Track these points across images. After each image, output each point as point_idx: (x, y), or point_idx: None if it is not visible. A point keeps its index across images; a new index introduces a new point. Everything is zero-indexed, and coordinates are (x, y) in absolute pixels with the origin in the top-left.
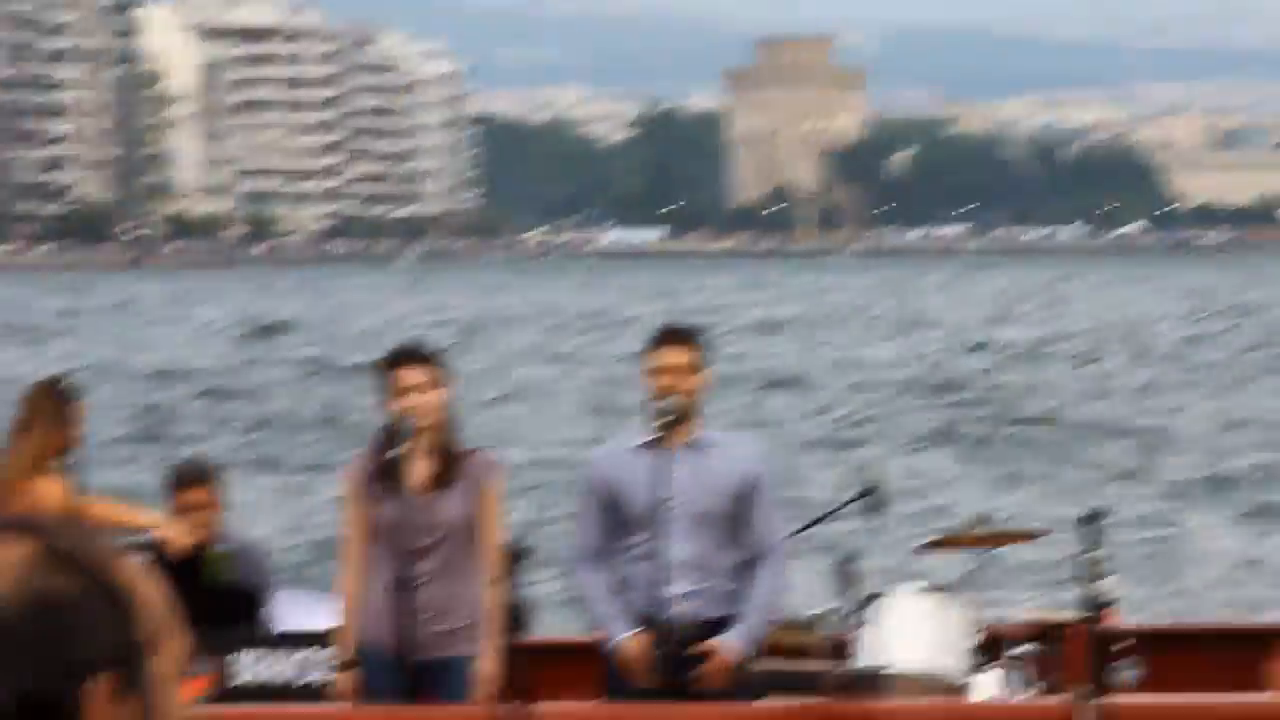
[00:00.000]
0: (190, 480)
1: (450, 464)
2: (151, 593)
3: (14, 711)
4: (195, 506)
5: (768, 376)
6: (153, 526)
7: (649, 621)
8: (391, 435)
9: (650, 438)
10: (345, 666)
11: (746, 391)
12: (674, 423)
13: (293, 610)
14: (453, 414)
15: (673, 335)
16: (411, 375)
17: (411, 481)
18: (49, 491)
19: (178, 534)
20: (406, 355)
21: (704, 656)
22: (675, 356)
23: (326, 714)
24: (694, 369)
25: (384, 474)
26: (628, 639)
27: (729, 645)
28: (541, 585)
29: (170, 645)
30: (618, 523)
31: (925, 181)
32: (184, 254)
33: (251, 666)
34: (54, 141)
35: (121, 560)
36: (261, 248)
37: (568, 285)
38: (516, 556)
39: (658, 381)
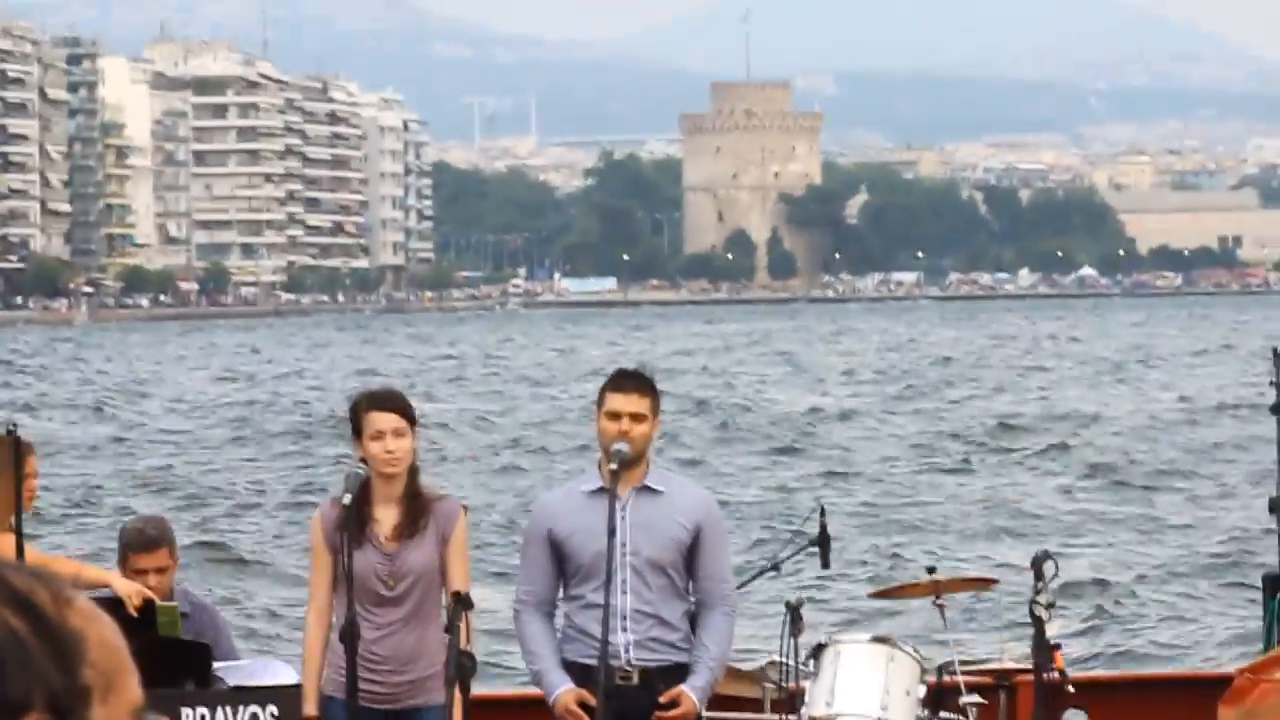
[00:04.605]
0: (145, 544)
1: (418, 512)
2: (108, 640)
3: None
4: (149, 570)
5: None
6: (104, 584)
7: (597, 672)
8: (357, 481)
9: (599, 485)
10: None
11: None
12: (625, 468)
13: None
14: (419, 461)
15: (627, 379)
16: (384, 420)
17: (379, 529)
18: (1, 546)
19: (131, 593)
20: (380, 399)
21: (663, 707)
22: (629, 402)
23: None
24: (647, 414)
25: (350, 521)
26: (567, 691)
27: (688, 695)
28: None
29: (123, 696)
30: (565, 570)
31: (879, 227)
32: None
33: None
34: (13, 193)
35: (75, 605)
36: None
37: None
38: (461, 606)
39: (611, 426)
